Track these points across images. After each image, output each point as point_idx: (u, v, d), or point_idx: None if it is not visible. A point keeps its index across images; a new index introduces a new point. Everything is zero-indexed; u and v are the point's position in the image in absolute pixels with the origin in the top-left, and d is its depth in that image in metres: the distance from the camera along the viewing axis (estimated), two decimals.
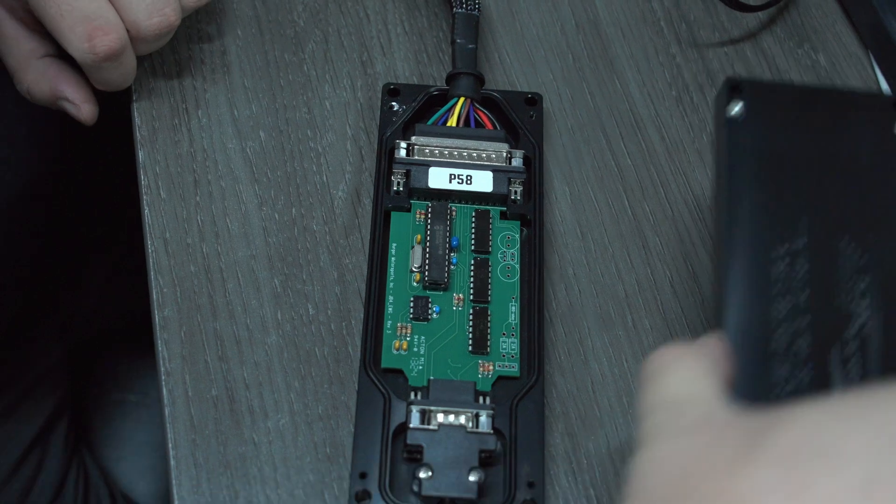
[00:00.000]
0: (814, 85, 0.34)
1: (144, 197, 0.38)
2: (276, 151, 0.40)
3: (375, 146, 0.39)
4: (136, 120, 0.40)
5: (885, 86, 0.44)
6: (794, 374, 0.27)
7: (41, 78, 0.39)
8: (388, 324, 0.35)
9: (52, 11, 0.36)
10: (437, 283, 0.36)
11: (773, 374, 0.27)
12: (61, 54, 0.39)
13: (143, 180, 0.39)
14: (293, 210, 0.39)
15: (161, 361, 0.35)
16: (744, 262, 0.28)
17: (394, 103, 0.40)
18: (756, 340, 0.27)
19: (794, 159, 0.30)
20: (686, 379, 0.25)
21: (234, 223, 0.38)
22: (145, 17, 0.36)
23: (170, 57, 0.41)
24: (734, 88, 0.31)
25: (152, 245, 0.38)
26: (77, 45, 0.36)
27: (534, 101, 0.40)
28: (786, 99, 0.32)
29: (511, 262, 0.37)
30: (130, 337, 0.59)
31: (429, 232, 0.37)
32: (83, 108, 0.40)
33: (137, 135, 0.40)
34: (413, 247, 0.37)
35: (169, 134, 0.40)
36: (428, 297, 0.36)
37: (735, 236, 0.29)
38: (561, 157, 0.41)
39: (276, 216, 0.39)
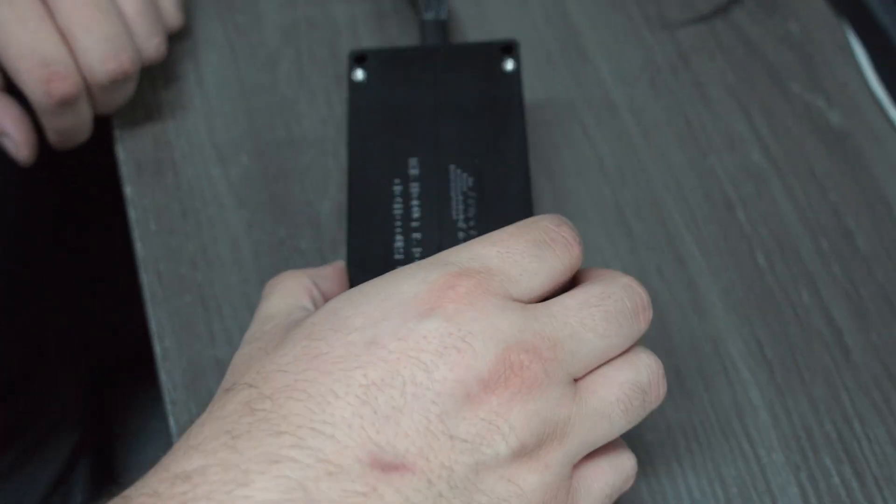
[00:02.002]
0: (432, 45, 0.39)
1: (136, 231, 0.39)
2: (259, 174, 0.41)
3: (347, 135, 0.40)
4: (121, 156, 0.41)
5: (858, 49, 0.44)
6: None
7: None
8: None
9: (10, 52, 0.36)
10: None
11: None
12: (10, 90, 0.39)
13: (133, 215, 0.40)
14: (282, 231, 0.39)
15: (165, 392, 0.36)
16: (363, 198, 0.33)
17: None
18: (374, 256, 0.32)
19: (409, 110, 0.35)
20: (278, 298, 0.31)
21: (224, 249, 0.39)
22: (100, 63, 0.37)
23: (148, 90, 0.42)
24: (358, 59, 0.36)
25: (147, 278, 0.38)
26: (34, 87, 0.37)
27: None
28: (404, 61, 0.36)
29: None
30: (145, 362, 0.60)
31: None
32: (22, 148, 0.40)
33: (123, 171, 0.41)
34: None
35: (153, 167, 0.41)
36: None
37: (354, 178, 0.33)
38: (539, 151, 0.41)
39: (266, 238, 0.39)
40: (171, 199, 0.40)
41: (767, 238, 0.40)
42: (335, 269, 0.34)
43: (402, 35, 0.44)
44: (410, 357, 0.24)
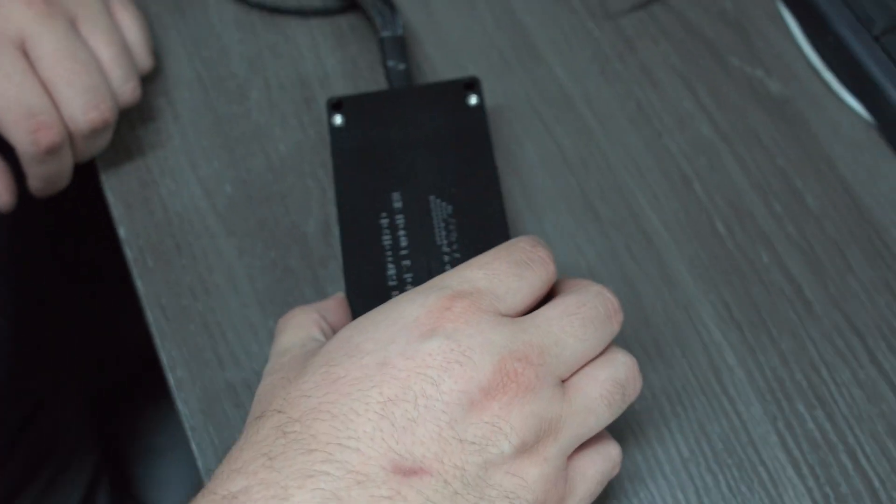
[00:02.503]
0: (402, 87, 0.41)
1: (134, 269, 0.41)
2: (243, 201, 0.43)
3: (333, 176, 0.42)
4: (110, 199, 0.43)
5: (789, 19, 0.47)
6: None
7: None
8: None
9: None
10: None
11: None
12: None
13: (130, 254, 0.42)
14: (272, 253, 0.42)
15: (184, 419, 0.39)
16: (353, 232, 0.36)
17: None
18: (370, 285, 0.35)
19: (386, 149, 0.38)
20: (291, 333, 0.34)
21: (220, 277, 0.41)
22: (82, 113, 0.39)
23: (127, 132, 0.44)
24: (335, 106, 0.39)
25: (151, 313, 0.41)
26: (21, 137, 0.39)
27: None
28: (378, 104, 0.39)
29: None
30: (148, 374, 0.62)
31: None
32: (3, 194, 0.42)
33: (114, 212, 0.43)
34: None
35: (143, 206, 0.43)
36: None
37: (344, 215, 0.36)
38: (505, 149, 0.44)
39: (258, 262, 0.42)
40: (163, 235, 0.42)
41: (724, 207, 0.43)
42: (337, 301, 0.36)
43: (363, 52, 0.46)
44: (419, 373, 0.27)
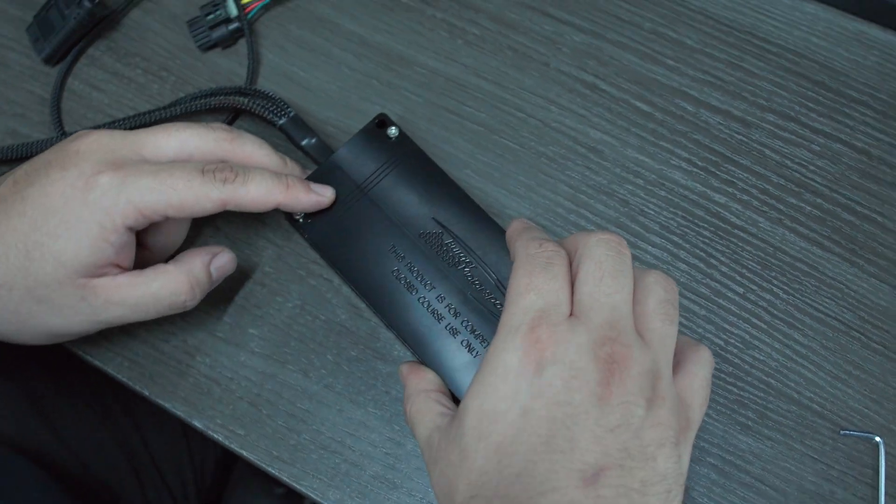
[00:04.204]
0: (328, 157, 0.45)
1: (233, 445, 0.44)
2: (273, 332, 0.45)
3: (329, 265, 0.45)
4: (167, 405, 0.45)
5: None
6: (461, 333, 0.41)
7: None
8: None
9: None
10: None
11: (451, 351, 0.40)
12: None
13: (219, 437, 0.44)
14: (328, 356, 0.45)
15: None
16: (382, 302, 0.41)
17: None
18: (424, 333, 0.40)
19: (354, 216, 0.42)
20: (420, 424, 0.38)
21: (304, 403, 0.44)
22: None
23: (140, 346, 0.46)
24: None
25: (273, 468, 0.43)
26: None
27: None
28: (321, 182, 0.43)
29: None
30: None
31: None
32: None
33: (182, 414, 0.45)
34: None
35: (196, 392, 0.45)
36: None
37: (364, 293, 0.41)
38: (440, 152, 0.48)
39: (323, 371, 0.45)
40: (232, 403, 0.44)
41: (633, 87, 0.48)
42: (413, 372, 0.41)
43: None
44: (552, 403, 0.32)
